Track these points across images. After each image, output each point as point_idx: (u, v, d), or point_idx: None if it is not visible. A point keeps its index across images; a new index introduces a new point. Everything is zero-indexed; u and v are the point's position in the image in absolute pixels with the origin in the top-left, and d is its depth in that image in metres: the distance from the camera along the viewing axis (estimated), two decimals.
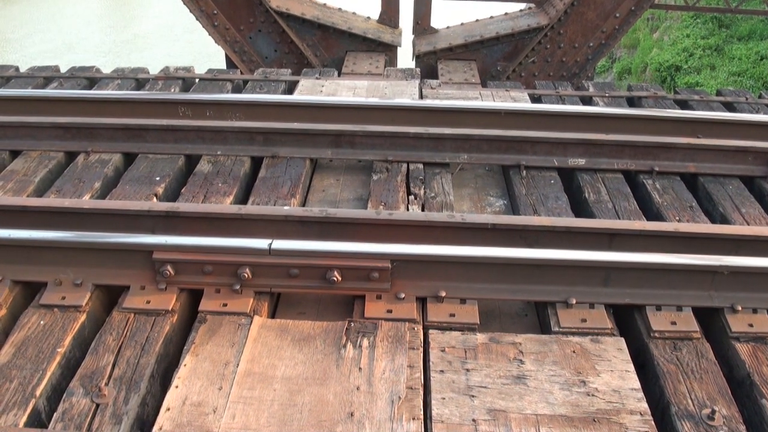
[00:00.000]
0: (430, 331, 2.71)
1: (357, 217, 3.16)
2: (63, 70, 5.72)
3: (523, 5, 6.60)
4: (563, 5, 5.99)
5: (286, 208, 3.31)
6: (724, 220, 3.74)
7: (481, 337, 2.66)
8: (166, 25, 20.67)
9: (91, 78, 5.49)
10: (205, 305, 2.83)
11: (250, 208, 3.25)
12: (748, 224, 3.66)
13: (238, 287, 2.86)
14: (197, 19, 6.32)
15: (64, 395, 2.41)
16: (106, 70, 5.79)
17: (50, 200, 3.42)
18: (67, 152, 4.27)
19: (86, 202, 3.44)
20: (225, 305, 2.82)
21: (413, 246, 2.91)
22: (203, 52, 15.82)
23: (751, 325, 2.83)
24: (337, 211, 3.19)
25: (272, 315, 2.95)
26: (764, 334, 2.80)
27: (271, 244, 2.86)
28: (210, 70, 5.65)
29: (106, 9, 22.42)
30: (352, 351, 2.57)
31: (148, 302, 2.85)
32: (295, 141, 4.14)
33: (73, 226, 3.18)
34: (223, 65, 6.74)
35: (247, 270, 2.83)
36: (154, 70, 5.71)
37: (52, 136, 4.28)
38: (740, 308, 2.87)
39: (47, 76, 5.50)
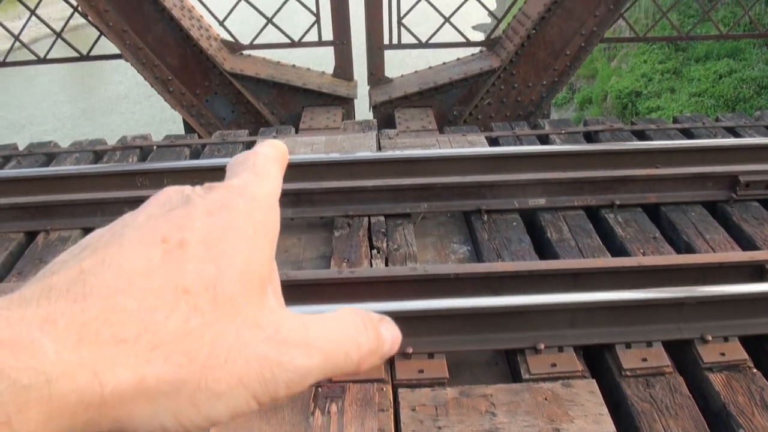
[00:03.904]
0: (400, 389, 2.66)
1: (319, 277, 3.13)
2: (23, 144, 5.67)
3: (474, 50, 6.66)
4: (514, 47, 6.06)
5: None
6: (689, 248, 3.74)
7: (451, 392, 2.62)
8: (126, 91, 20.70)
9: (49, 153, 5.43)
10: None
11: None
12: (714, 250, 3.67)
13: None
14: (152, 86, 6.31)
15: None
16: (67, 140, 5.75)
17: (10, 285, 3.36)
18: (26, 232, 4.21)
19: None
20: None
21: (377, 304, 2.87)
22: (164, 115, 15.83)
23: (723, 354, 2.82)
24: (298, 273, 3.16)
25: None
26: (737, 361, 2.79)
27: None
28: (167, 137, 5.63)
29: (67, 81, 22.42)
30: (320, 419, 2.51)
31: None
32: None
33: None
34: (182, 127, 6.73)
35: None
36: (116, 136, 5.68)
37: (11, 217, 4.22)
38: (710, 338, 2.86)
39: (5, 155, 5.44)
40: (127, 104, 20.02)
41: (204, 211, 0.46)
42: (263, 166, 0.53)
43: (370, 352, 0.49)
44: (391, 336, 0.51)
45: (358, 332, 0.49)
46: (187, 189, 0.49)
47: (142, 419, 0.41)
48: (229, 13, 6.14)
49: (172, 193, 0.48)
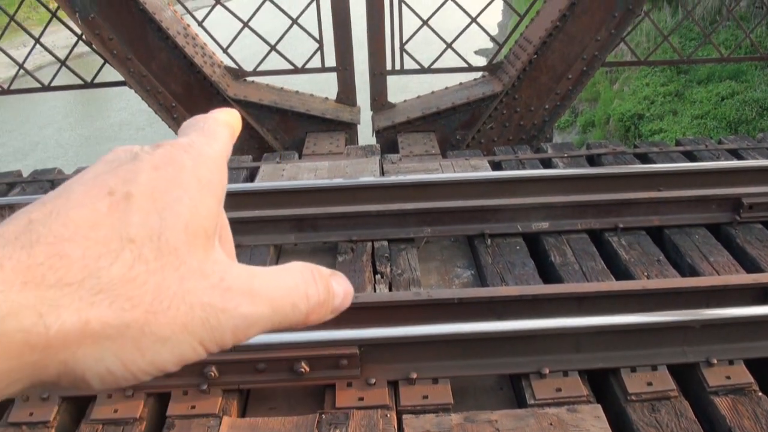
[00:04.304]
0: (404, 415, 2.65)
1: None
2: (27, 171, 5.70)
3: (477, 74, 6.69)
4: (516, 71, 6.09)
5: None
6: (693, 271, 3.73)
7: (456, 418, 2.60)
8: (129, 118, 20.80)
9: (53, 180, 5.45)
10: (173, 409, 2.75)
11: None
12: (718, 273, 3.66)
13: (205, 387, 2.79)
14: (156, 113, 6.34)
15: None
16: (71, 167, 5.78)
17: None
18: None
19: None
20: (193, 407, 2.74)
21: (380, 329, 2.87)
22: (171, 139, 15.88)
23: (728, 378, 2.80)
24: None
25: (243, 412, 2.88)
26: (743, 385, 2.77)
27: None
28: None
29: (70, 108, 22.53)
30: None
31: (116, 411, 2.77)
32: (257, 228, 4.11)
33: None
34: None
35: (213, 368, 2.77)
36: None
37: None
38: (716, 361, 2.84)
39: (9, 181, 5.47)
40: (130, 131, 20.11)
41: (151, 166, 0.47)
42: (213, 128, 0.55)
43: (319, 304, 0.50)
44: (342, 290, 0.53)
45: (307, 284, 0.50)
46: (135, 147, 0.50)
47: (87, 362, 0.42)
48: (233, 41, 6.18)
49: (120, 151, 0.49)
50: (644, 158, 5.23)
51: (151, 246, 0.43)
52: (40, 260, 0.40)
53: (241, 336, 0.47)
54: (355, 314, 3.06)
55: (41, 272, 0.40)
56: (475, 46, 20.21)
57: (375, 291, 3.59)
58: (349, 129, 6.33)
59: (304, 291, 0.50)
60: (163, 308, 0.43)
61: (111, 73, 6.30)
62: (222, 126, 0.56)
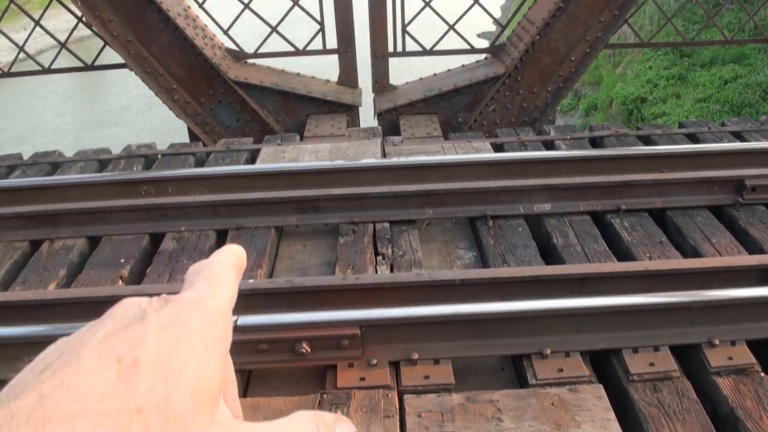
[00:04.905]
0: (405, 395, 2.64)
1: (324, 284, 3.11)
2: (27, 155, 5.68)
3: (479, 57, 6.66)
4: (518, 53, 6.06)
5: (251, 281, 3.26)
6: (695, 253, 3.72)
7: (457, 398, 2.60)
8: (128, 103, 20.77)
9: (54, 163, 5.44)
10: None
11: None
12: (720, 254, 3.65)
13: None
14: (157, 95, 6.32)
15: None
16: (70, 152, 5.76)
17: (14, 294, 3.35)
18: (31, 241, 4.21)
19: (50, 292, 3.37)
20: None
21: (382, 310, 2.86)
22: (167, 127, 15.87)
23: (730, 358, 2.79)
24: (303, 280, 3.15)
25: (244, 392, 2.88)
26: (745, 365, 2.76)
27: (236, 320, 2.80)
28: (172, 145, 5.63)
29: (69, 94, 22.48)
30: None
31: None
32: (259, 210, 4.11)
33: (39, 319, 3.10)
34: (184, 138, 6.74)
35: None
36: (119, 148, 5.69)
37: (15, 226, 4.22)
38: (718, 342, 2.84)
39: (10, 164, 5.45)
40: (129, 116, 20.08)
41: (158, 327, 0.48)
42: (219, 276, 0.57)
43: None
44: None
45: None
46: (143, 302, 0.51)
47: None
48: (234, 22, 6.15)
49: (129, 306, 0.51)
50: (647, 140, 5.21)
51: (158, 415, 0.45)
52: None
53: None
54: (356, 295, 3.06)
55: None
56: (477, 29, 20.14)
57: (376, 272, 3.59)
58: (350, 111, 6.31)
59: None
60: None
61: (111, 57, 6.28)
62: (228, 272, 0.58)
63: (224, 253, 0.59)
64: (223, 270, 0.57)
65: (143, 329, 0.47)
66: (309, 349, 2.76)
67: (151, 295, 0.52)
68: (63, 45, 6.02)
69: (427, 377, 2.73)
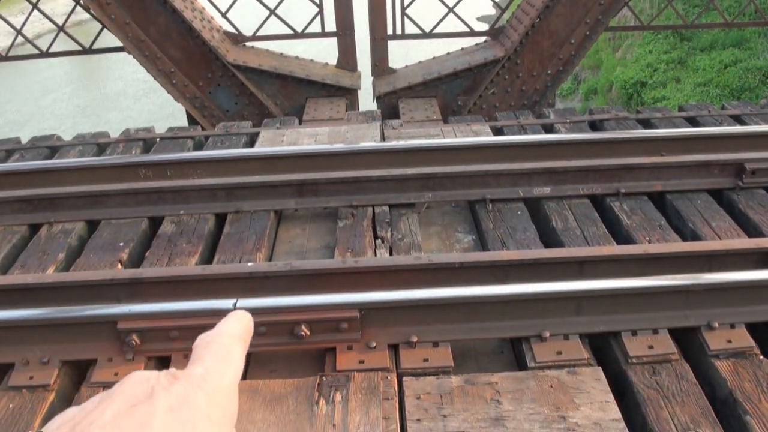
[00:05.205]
0: (404, 378, 2.65)
1: (323, 267, 3.10)
2: (25, 140, 5.67)
3: (479, 40, 6.64)
4: (518, 36, 6.04)
5: (250, 264, 3.25)
6: (695, 236, 3.72)
7: (456, 380, 2.60)
8: (125, 88, 20.71)
9: (52, 147, 5.42)
10: None
11: (214, 268, 3.19)
12: (720, 237, 3.64)
13: None
14: (155, 78, 6.30)
15: None
16: (69, 135, 5.74)
17: (13, 278, 3.35)
18: (30, 225, 4.20)
19: (49, 276, 3.36)
20: None
21: (381, 293, 2.86)
22: (165, 111, 15.83)
23: (729, 341, 2.79)
24: (302, 263, 3.14)
25: (244, 374, 2.87)
26: (744, 348, 2.76)
27: (235, 303, 2.79)
28: (170, 128, 5.61)
29: (66, 78, 22.40)
30: (324, 407, 2.50)
31: (116, 374, 2.76)
32: (257, 194, 4.10)
33: (38, 302, 3.10)
34: (183, 122, 6.72)
35: None
36: (117, 132, 5.67)
37: (14, 210, 4.21)
38: (717, 325, 2.84)
39: (8, 148, 5.44)
40: (127, 101, 20.03)
41: (166, 407, 0.49)
42: (226, 349, 0.57)
43: None
44: None
45: None
46: (152, 378, 0.52)
47: None
48: (232, 5, 6.13)
49: (137, 381, 0.51)
50: (647, 124, 5.19)
51: None
52: None
53: None
54: (355, 278, 3.06)
55: None
56: (477, 12, 20.05)
57: (376, 255, 3.58)
58: (349, 94, 6.30)
59: None
60: None
61: (109, 41, 6.25)
62: (236, 344, 0.58)
63: (231, 321, 0.60)
64: (232, 342, 0.57)
65: (151, 409, 0.47)
66: (308, 332, 2.76)
67: (158, 369, 0.52)
68: (61, 28, 6.00)
69: (426, 360, 2.73)
